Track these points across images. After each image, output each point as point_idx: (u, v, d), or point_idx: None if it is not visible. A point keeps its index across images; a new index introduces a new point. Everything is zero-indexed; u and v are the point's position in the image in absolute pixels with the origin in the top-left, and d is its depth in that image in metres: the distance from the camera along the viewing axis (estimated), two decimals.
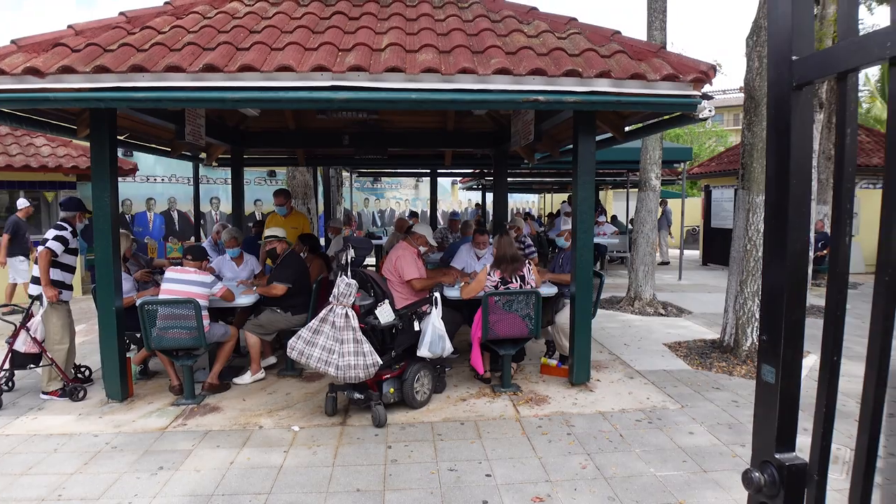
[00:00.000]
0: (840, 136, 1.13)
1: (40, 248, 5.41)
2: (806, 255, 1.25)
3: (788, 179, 1.21)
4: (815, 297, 10.12)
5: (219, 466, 4.09)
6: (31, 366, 5.42)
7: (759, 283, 6.41)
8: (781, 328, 1.22)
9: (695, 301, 10.60)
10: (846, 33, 1.11)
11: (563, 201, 18.93)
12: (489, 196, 17.75)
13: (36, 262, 5.45)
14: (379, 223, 21.71)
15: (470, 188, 21.52)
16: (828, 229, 12.22)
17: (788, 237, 1.21)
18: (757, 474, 1.24)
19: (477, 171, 16.29)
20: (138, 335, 5.53)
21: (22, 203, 9.54)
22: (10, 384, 5.53)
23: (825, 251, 12.10)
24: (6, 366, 5.36)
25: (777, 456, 1.23)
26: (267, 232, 6.55)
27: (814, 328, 1.40)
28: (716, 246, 16.26)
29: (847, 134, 1.12)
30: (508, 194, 11.71)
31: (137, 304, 5.20)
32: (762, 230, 6.36)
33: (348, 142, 9.09)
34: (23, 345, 5.34)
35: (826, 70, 1.16)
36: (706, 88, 4.75)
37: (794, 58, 1.21)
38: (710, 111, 4.79)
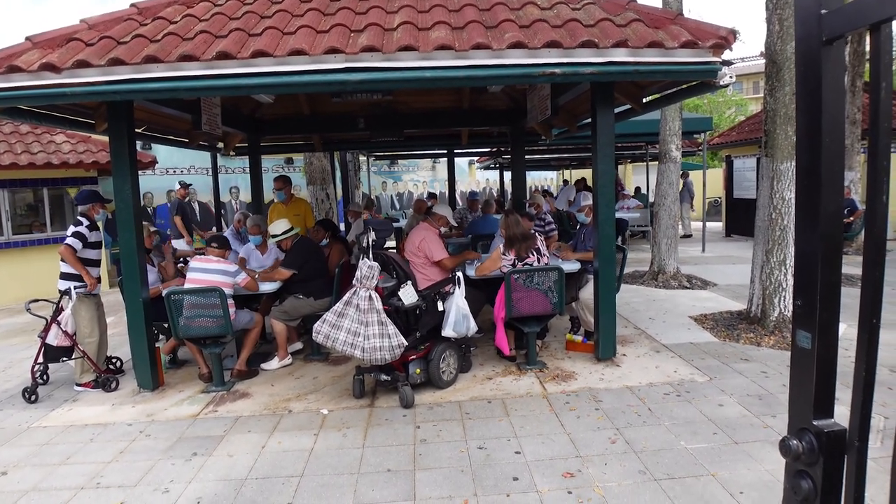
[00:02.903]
0: (875, 90, 1.09)
1: (61, 246, 5.49)
2: (840, 216, 1.21)
3: (821, 139, 1.17)
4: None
5: (251, 451, 4.15)
6: (64, 358, 5.52)
7: (785, 252, 6.30)
8: (817, 292, 1.18)
9: (719, 273, 10.48)
10: None
11: (564, 181, 18.81)
12: (507, 174, 17.66)
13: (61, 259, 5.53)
14: (397, 206, 21.71)
15: (487, 167, 21.40)
16: (854, 195, 12.08)
17: (822, 198, 1.18)
18: (795, 442, 1.22)
19: (494, 149, 16.20)
20: (166, 325, 5.61)
21: (177, 185, 11.30)
22: (44, 377, 5.64)
23: (852, 217, 11.85)
24: (40, 359, 5.47)
25: (815, 423, 1.21)
26: (272, 239, 6.38)
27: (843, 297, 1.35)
28: (739, 217, 16.02)
29: (882, 88, 1.08)
30: (527, 172, 11.61)
31: (164, 294, 5.26)
32: (787, 198, 6.25)
33: (364, 125, 9.06)
34: (55, 338, 5.44)
35: (858, 21, 1.11)
36: (726, 55, 4.64)
37: (822, 11, 1.17)
38: (730, 78, 4.68)
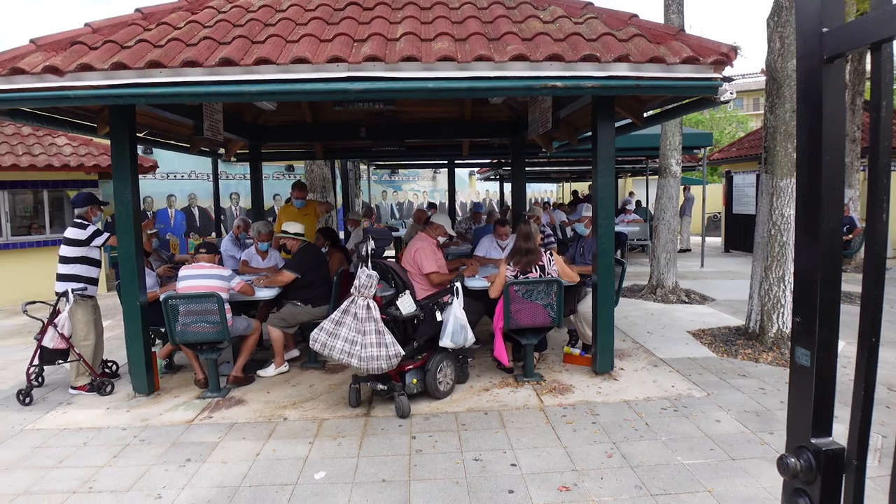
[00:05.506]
0: (875, 108, 1.09)
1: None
2: (840, 233, 1.21)
3: (821, 156, 1.18)
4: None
5: (245, 458, 4.13)
6: (60, 361, 5.50)
7: (784, 269, 6.31)
8: (816, 309, 1.18)
9: (718, 288, 10.48)
10: (879, 2, 1.07)
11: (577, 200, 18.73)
12: (507, 186, 17.67)
13: (67, 262, 5.53)
14: (397, 215, 21.73)
15: (487, 178, 21.45)
16: (853, 213, 12.12)
17: (822, 216, 1.18)
18: (793, 460, 1.21)
19: (494, 161, 16.24)
20: (163, 330, 5.59)
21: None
22: (39, 380, 5.62)
23: (851, 235, 11.88)
24: (35, 361, 5.45)
25: (813, 441, 1.20)
26: (280, 234, 6.51)
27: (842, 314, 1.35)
28: (738, 232, 16.05)
29: (882, 107, 1.08)
30: (527, 184, 11.64)
31: (161, 298, 5.25)
32: (786, 214, 6.26)
33: (365, 134, 9.09)
34: (51, 341, 5.42)
35: (858, 41, 1.11)
36: (727, 71, 4.66)
37: (824, 30, 1.17)
38: (731, 94, 4.70)
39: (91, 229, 5.60)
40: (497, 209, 16.04)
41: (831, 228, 1.18)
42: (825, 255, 1.18)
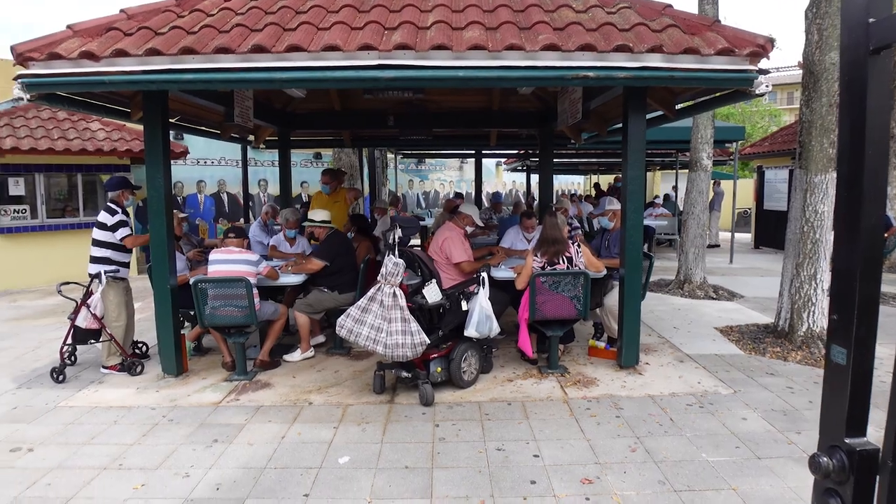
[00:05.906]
0: None
1: (98, 231, 5.64)
2: (881, 229, 1.18)
3: (864, 149, 1.15)
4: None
5: (271, 440, 4.19)
6: (92, 341, 5.63)
7: (816, 267, 6.17)
8: (854, 306, 1.16)
9: (747, 285, 10.31)
10: None
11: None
12: (534, 177, 17.57)
13: (99, 245, 5.64)
14: (423, 205, 21.74)
15: (514, 169, 21.35)
16: (889, 212, 11.83)
17: (863, 210, 1.15)
18: (825, 459, 1.19)
19: (522, 151, 16.15)
20: (192, 313, 5.68)
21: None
22: (72, 358, 5.76)
23: (886, 234, 11.61)
24: (69, 340, 5.58)
25: (847, 441, 1.18)
26: (307, 222, 6.56)
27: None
28: (768, 228, 15.76)
29: None
30: (554, 175, 11.55)
31: (191, 282, 5.33)
32: (820, 211, 6.13)
33: (393, 122, 9.10)
34: (84, 321, 5.55)
35: None
36: (763, 63, 4.57)
37: (870, 20, 1.14)
38: (767, 87, 4.61)
39: (117, 218, 5.66)
40: (523, 200, 15.98)
41: (873, 224, 1.15)
42: (865, 251, 1.15)
